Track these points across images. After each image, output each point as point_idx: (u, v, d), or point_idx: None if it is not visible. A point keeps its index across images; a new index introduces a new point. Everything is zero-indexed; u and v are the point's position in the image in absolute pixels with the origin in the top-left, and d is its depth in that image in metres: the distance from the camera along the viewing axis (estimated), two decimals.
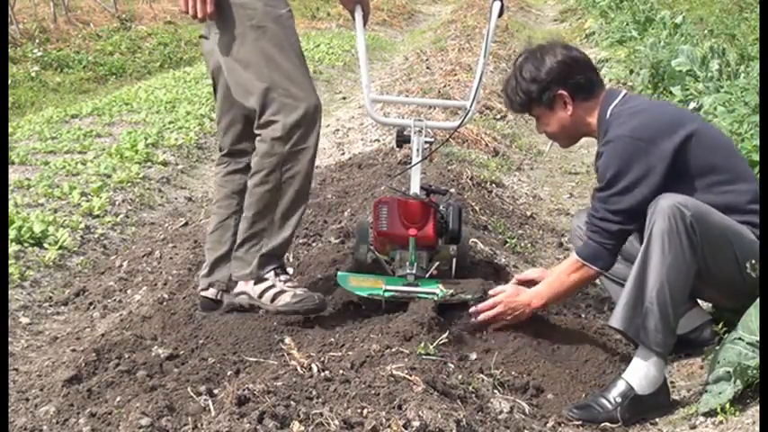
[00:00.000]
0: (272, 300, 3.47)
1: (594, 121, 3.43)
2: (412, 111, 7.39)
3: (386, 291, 3.54)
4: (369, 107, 3.91)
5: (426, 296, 3.55)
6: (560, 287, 3.42)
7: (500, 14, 3.89)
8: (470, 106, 3.82)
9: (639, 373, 3.12)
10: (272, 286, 3.49)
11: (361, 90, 3.96)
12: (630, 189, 3.23)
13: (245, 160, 3.65)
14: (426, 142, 3.82)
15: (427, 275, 3.68)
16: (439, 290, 3.56)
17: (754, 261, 3.16)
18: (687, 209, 3.09)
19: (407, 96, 8.28)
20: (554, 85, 3.42)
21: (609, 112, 3.39)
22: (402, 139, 3.88)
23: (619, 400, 3.10)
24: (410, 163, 3.81)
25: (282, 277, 3.52)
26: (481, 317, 3.47)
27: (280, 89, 3.39)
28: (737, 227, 3.21)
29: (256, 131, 3.46)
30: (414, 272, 3.62)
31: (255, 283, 3.51)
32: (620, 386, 3.12)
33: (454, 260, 3.88)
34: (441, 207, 3.73)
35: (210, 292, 3.72)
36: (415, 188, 3.72)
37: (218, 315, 3.61)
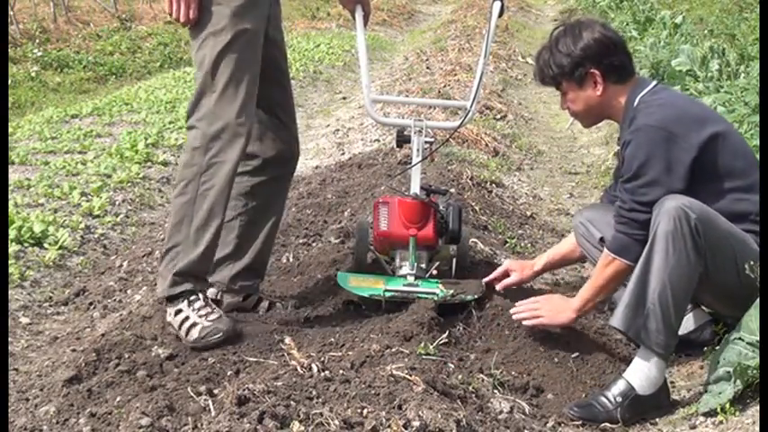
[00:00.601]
0: (186, 333, 3.36)
1: (621, 106, 3.37)
2: (412, 111, 7.39)
3: (386, 291, 3.54)
4: (369, 107, 3.91)
5: (426, 296, 3.55)
6: (595, 285, 3.35)
7: (500, 14, 3.89)
8: (470, 106, 3.82)
9: (640, 374, 3.12)
10: (186, 318, 3.38)
11: (362, 90, 3.97)
12: (658, 180, 3.19)
13: (252, 163, 3.63)
14: (426, 142, 3.83)
15: (427, 275, 3.68)
16: (439, 290, 3.56)
17: (752, 262, 3.15)
18: (692, 211, 3.08)
19: (407, 96, 8.28)
20: (588, 62, 3.36)
21: (637, 100, 3.33)
22: (402, 139, 3.89)
23: (619, 399, 3.10)
24: (410, 163, 3.81)
25: (197, 305, 3.39)
26: (521, 315, 3.44)
27: (212, 98, 3.36)
28: (741, 234, 3.20)
29: (187, 130, 3.44)
30: (414, 272, 3.62)
31: (175, 314, 3.39)
32: (620, 386, 3.12)
33: (454, 260, 3.88)
34: (441, 207, 3.73)
35: (211, 292, 3.71)
36: (415, 188, 3.72)
37: None
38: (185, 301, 3.38)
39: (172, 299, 3.40)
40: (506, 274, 3.77)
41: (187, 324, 3.36)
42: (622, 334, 3.25)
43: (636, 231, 3.21)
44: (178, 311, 3.39)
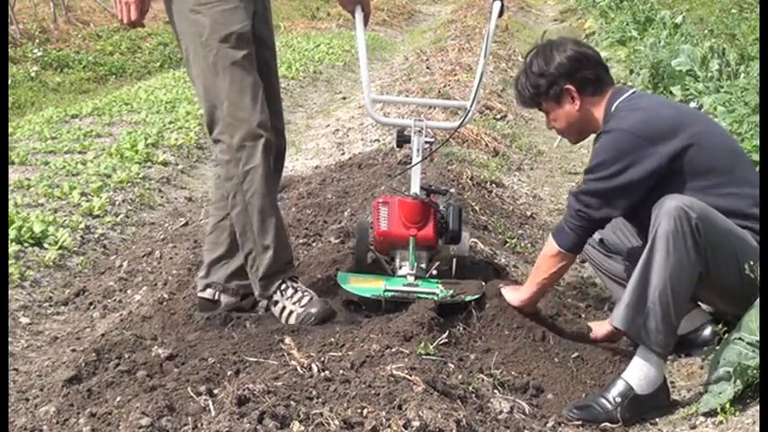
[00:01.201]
0: (287, 320, 3.55)
1: (601, 117, 3.43)
2: (412, 111, 7.39)
3: (386, 291, 3.54)
4: (369, 107, 3.91)
5: (426, 296, 3.55)
6: (535, 278, 3.50)
7: (500, 14, 3.89)
8: (470, 106, 3.82)
9: (639, 373, 3.12)
10: (284, 308, 3.56)
11: (362, 90, 3.97)
12: (615, 176, 3.25)
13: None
14: (426, 142, 3.83)
15: (427, 275, 3.68)
16: (439, 290, 3.56)
17: (753, 262, 3.15)
18: (693, 210, 3.08)
19: (407, 96, 8.28)
20: (562, 79, 3.42)
21: (614, 107, 3.39)
22: (402, 139, 3.89)
23: (618, 400, 3.10)
24: (410, 163, 3.81)
25: (288, 292, 3.56)
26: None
27: (224, 108, 3.45)
28: (740, 231, 3.20)
29: (213, 143, 3.56)
30: (414, 272, 3.62)
31: (274, 305, 3.59)
32: (619, 386, 3.12)
33: (454, 260, 3.88)
34: (441, 207, 3.73)
35: (208, 293, 3.74)
36: (415, 188, 3.72)
37: (217, 312, 3.62)
38: (278, 292, 3.57)
39: (270, 299, 3.59)
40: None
41: (285, 313, 3.54)
42: (623, 333, 3.25)
43: (578, 224, 3.33)
44: (275, 303, 3.58)
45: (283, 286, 3.57)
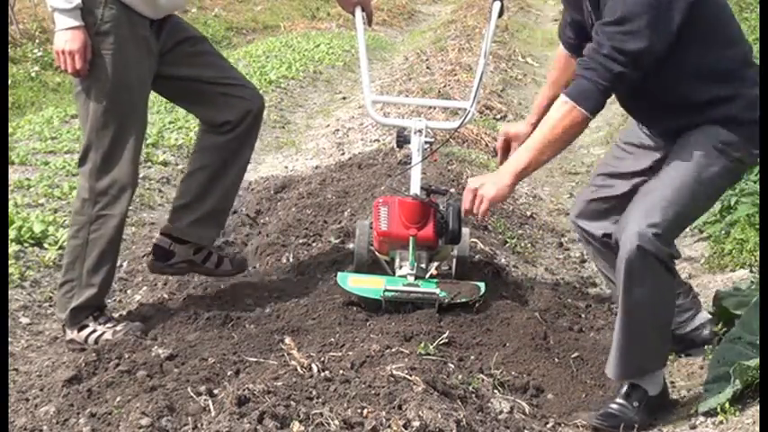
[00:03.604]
0: (96, 342, 3.62)
1: None
2: (412, 111, 7.39)
3: (386, 291, 3.55)
4: (369, 108, 3.91)
5: (427, 296, 3.55)
6: (543, 140, 3.06)
7: (500, 14, 3.89)
8: (470, 107, 3.82)
9: (647, 376, 3.10)
10: (94, 330, 3.67)
11: (362, 90, 3.97)
12: (642, 32, 2.91)
13: (222, 129, 3.80)
14: (426, 142, 3.83)
15: (427, 276, 3.68)
16: (438, 290, 3.56)
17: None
18: (655, 227, 2.94)
19: (407, 96, 8.28)
20: None
21: None
22: (402, 140, 3.89)
23: (636, 404, 3.08)
24: (410, 163, 3.81)
25: (101, 319, 3.70)
26: (466, 208, 3.25)
27: (98, 153, 3.55)
28: (709, 186, 3.10)
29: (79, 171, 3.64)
30: (414, 272, 3.62)
31: (79, 330, 3.69)
32: (636, 390, 3.09)
33: (454, 260, 3.88)
34: (440, 207, 3.73)
35: (164, 241, 3.89)
36: (415, 188, 3.72)
37: (217, 312, 3.62)
38: (90, 317, 3.69)
39: (73, 324, 3.69)
40: (508, 145, 3.57)
41: (95, 335, 3.65)
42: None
43: (603, 81, 2.96)
44: (83, 327, 3.68)
45: (96, 313, 3.69)
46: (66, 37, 3.42)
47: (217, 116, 3.81)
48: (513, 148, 3.52)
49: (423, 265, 3.69)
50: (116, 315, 4.19)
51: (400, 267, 3.69)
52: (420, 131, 3.81)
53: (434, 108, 7.42)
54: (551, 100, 3.26)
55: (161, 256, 3.91)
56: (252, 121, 3.84)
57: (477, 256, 4.23)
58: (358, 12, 3.96)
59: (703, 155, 3.04)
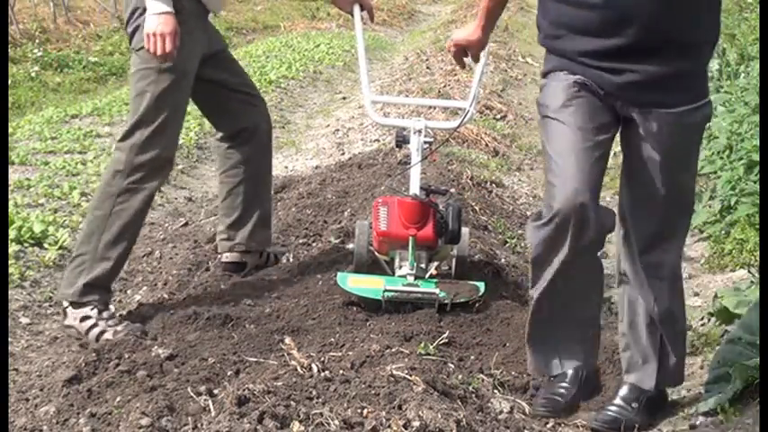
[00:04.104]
0: (97, 339, 3.63)
1: None
2: (412, 111, 7.39)
3: (386, 291, 3.55)
4: (368, 108, 3.92)
5: (426, 297, 3.55)
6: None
7: None
8: (470, 106, 3.82)
9: (643, 374, 3.10)
10: (96, 325, 3.66)
11: (362, 90, 3.97)
12: None
13: (244, 134, 4.05)
14: (426, 142, 3.83)
15: (427, 275, 3.68)
16: (438, 290, 3.56)
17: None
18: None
19: (407, 96, 8.27)
20: None
21: None
22: (401, 140, 3.89)
23: (635, 405, 3.07)
24: (410, 163, 3.81)
25: (105, 314, 3.69)
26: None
27: (146, 130, 3.63)
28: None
29: (116, 143, 3.75)
30: (413, 272, 3.62)
31: (81, 320, 3.68)
32: (633, 391, 3.09)
33: (454, 260, 3.88)
34: (440, 207, 3.73)
35: (234, 256, 4.11)
36: (414, 188, 3.72)
37: (217, 312, 3.62)
38: (95, 310, 3.67)
39: (77, 305, 3.67)
40: (464, 53, 3.45)
41: (97, 330, 3.64)
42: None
43: None
44: (85, 317, 3.67)
45: (102, 307, 3.68)
46: (160, 21, 3.51)
47: (235, 124, 4.03)
48: (470, 56, 3.44)
49: (422, 265, 3.69)
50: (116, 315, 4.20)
51: (400, 267, 3.69)
52: (419, 131, 3.81)
53: (434, 108, 7.42)
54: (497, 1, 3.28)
55: (235, 269, 4.18)
56: (267, 127, 4.15)
57: (477, 256, 4.23)
58: (356, 10, 3.97)
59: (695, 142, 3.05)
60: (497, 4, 3.26)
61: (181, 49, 3.57)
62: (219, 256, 4.26)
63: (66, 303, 3.73)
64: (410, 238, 3.63)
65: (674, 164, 2.94)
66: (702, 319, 3.78)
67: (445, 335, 3.33)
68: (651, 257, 3.00)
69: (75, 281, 3.67)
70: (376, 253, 3.82)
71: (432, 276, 3.70)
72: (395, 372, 2.82)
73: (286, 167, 6.94)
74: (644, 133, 2.90)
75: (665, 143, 2.91)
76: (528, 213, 5.60)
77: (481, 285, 3.67)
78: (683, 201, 3.02)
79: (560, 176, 2.89)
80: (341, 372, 2.86)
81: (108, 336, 3.61)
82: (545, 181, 3.03)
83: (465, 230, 3.82)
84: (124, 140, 3.67)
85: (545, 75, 3.04)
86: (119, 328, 3.65)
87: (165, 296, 4.13)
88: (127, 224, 3.65)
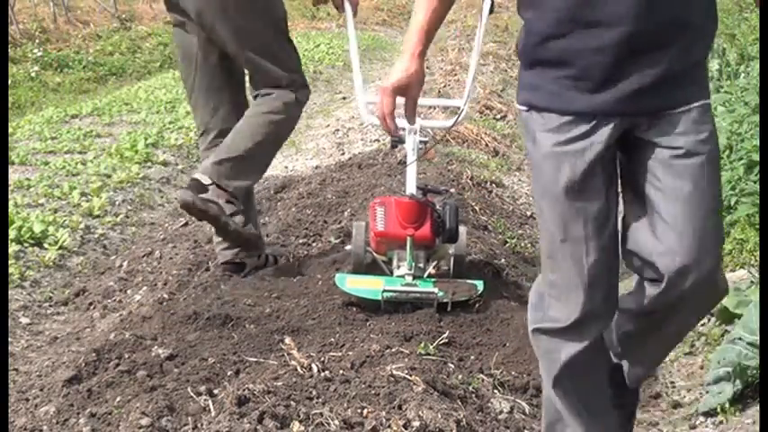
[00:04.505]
0: (244, 224, 3.97)
1: None
2: None
3: (384, 291, 3.55)
4: (362, 109, 3.91)
5: (425, 296, 3.55)
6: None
7: (491, 11, 3.90)
8: (463, 105, 3.82)
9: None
10: (237, 213, 3.95)
11: (355, 90, 3.97)
12: None
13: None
14: (421, 142, 3.83)
15: (425, 275, 3.68)
16: (437, 290, 3.56)
17: None
18: None
19: None
20: None
21: None
22: (397, 140, 3.89)
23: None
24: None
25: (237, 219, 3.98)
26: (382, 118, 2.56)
27: (299, 72, 4.18)
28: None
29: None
30: (412, 272, 3.62)
31: (227, 202, 3.93)
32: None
33: (452, 259, 3.88)
34: (437, 206, 3.73)
35: (192, 193, 3.98)
36: (411, 188, 3.72)
37: (216, 312, 3.62)
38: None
39: (227, 193, 3.95)
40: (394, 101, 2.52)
41: (240, 218, 3.96)
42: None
43: None
44: (229, 201, 3.96)
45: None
46: None
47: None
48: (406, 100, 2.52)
49: (420, 265, 3.69)
50: (116, 315, 4.20)
51: (398, 267, 3.69)
52: (414, 131, 3.80)
53: (435, 108, 7.42)
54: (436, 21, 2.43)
55: (234, 269, 4.21)
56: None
57: (477, 256, 4.23)
58: (347, 6, 3.96)
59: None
60: (439, 17, 2.43)
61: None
62: (218, 257, 4.28)
63: (209, 181, 3.94)
64: (408, 237, 3.62)
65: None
66: (702, 318, 3.78)
67: (445, 335, 3.33)
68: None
69: (230, 182, 3.94)
70: (374, 253, 3.81)
71: (430, 276, 3.70)
72: (395, 372, 2.82)
73: (286, 167, 6.94)
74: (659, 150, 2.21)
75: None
76: (528, 213, 5.61)
77: (480, 284, 3.66)
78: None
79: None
80: (341, 372, 2.86)
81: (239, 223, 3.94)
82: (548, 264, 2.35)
83: (462, 229, 3.81)
84: (288, 86, 4.09)
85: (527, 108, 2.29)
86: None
87: (165, 296, 4.13)
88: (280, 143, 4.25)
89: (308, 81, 4.29)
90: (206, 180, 3.96)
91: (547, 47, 2.24)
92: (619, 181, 2.30)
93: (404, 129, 3.88)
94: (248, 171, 4.05)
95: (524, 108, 2.29)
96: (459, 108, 4.24)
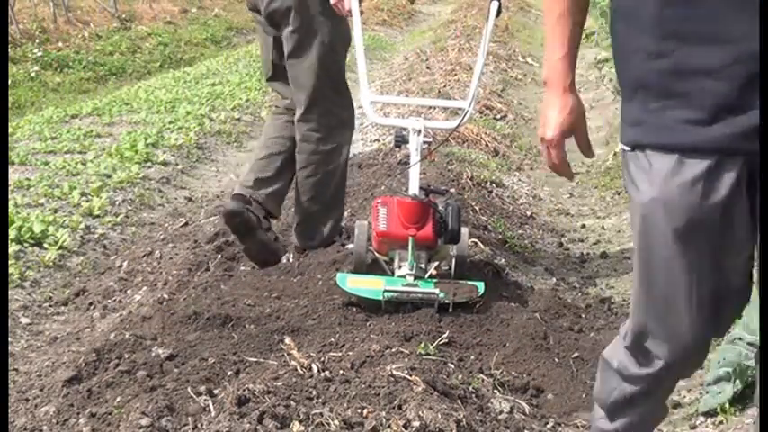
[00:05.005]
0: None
1: None
2: (413, 111, 7.39)
3: (385, 291, 3.54)
4: (367, 108, 3.91)
5: (426, 297, 3.55)
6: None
7: (498, 14, 3.90)
8: (468, 106, 3.82)
9: None
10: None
11: (360, 90, 3.98)
12: None
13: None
14: (425, 142, 3.83)
15: (427, 275, 3.68)
16: (438, 290, 3.56)
17: None
18: None
19: (407, 96, 8.27)
20: None
21: None
22: (400, 140, 3.89)
23: None
24: (409, 163, 3.81)
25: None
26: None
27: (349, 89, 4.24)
28: None
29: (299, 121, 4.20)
30: (413, 272, 3.62)
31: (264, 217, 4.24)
32: None
33: (454, 260, 3.88)
34: (439, 207, 3.73)
35: (240, 204, 4.17)
36: (413, 188, 3.72)
37: (216, 312, 3.62)
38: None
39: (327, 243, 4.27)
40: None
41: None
42: None
43: None
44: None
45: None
46: None
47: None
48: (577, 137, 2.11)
49: (422, 265, 3.68)
50: (116, 315, 4.20)
51: (399, 267, 3.69)
52: (418, 131, 3.80)
53: (435, 108, 7.42)
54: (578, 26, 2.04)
55: (233, 214, 4.24)
56: None
57: (477, 256, 4.23)
58: (355, 6, 3.95)
59: None
60: (578, 33, 2.04)
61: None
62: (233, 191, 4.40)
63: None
64: (410, 238, 3.62)
65: None
66: None
67: (445, 335, 3.33)
68: None
69: (314, 235, 4.27)
70: (375, 253, 3.81)
71: (431, 276, 3.70)
72: (395, 372, 2.82)
73: None
74: None
75: None
76: (528, 213, 5.60)
77: (480, 285, 3.66)
78: None
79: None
80: (341, 372, 2.86)
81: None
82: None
83: (464, 230, 3.81)
84: (308, 114, 4.22)
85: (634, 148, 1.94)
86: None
87: (165, 296, 4.13)
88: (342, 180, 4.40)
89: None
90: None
91: (648, 67, 1.86)
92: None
93: (406, 129, 3.88)
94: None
95: (628, 148, 1.94)
96: (460, 109, 4.24)
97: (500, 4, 3.88)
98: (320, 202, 4.27)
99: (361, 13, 3.97)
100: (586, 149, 2.12)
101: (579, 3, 2.02)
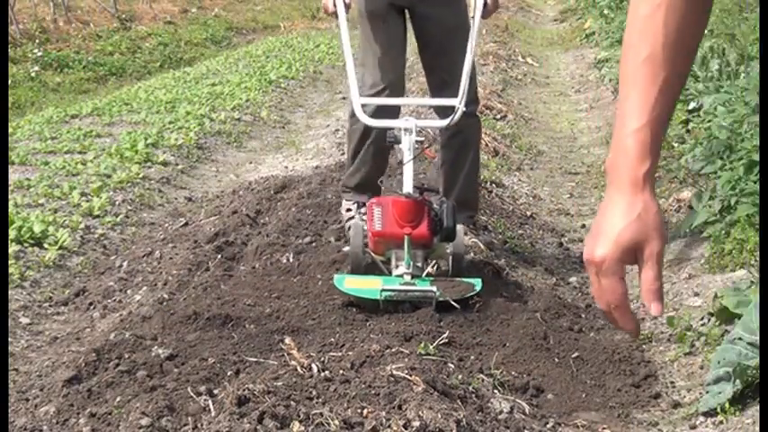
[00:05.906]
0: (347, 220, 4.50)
1: None
2: (412, 111, 7.39)
3: (383, 291, 3.54)
4: (358, 109, 3.92)
5: (424, 295, 3.55)
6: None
7: (484, 6, 3.95)
8: (459, 104, 3.83)
9: None
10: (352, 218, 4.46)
11: (350, 92, 3.98)
12: None
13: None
14: (418, 141, 3.83)
15: (424, 274, 3.68)
16: (435, 289, 3.56)
17: None
18: None
19: (407, 96, 8.26)
20: None
21: None
22: (393, 140, 3.89)
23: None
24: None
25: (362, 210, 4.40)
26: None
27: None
28: None
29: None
30: (410, 271, 3.62)
31: (346, 210, 4.53)
32: None
33: (451, 258, 3.88)
34: (434, 205, 3.73)
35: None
36: (407, 187, 3.72)
37: (216, 312, 3.62)
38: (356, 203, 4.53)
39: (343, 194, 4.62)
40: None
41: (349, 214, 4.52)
42: None
43: None
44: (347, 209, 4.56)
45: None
46: None
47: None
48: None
49: (419, 264, 3.68)
50: (116, 315, 4.20)
51: (396, 267, 3.69)
52: (410, 131, 3.81)
53: (430, 108, 7.40)
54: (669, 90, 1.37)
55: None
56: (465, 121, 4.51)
57: (476, 256, 4.23)
58: (339, 6, 3.96)
59: None
60: (681, 69, 1.39)
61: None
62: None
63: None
64: (405, 237, 3.62)
65: None
66: (702, 319, 3.77)
67: (445, 335, 3.33)
68: None
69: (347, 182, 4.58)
70: (372, 253, 3.81)
71: (428, 275, 3.70)
72: (395, 372, 2.82)
73: (286, 167, 6.94)
74: None
75: None
76: (528, 213, 5.60)
77: (478, 283, 3.66)
78: None
79: None
80: (341, 372, 2.86)
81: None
82: None
83: (460, 228, 3.81)
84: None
85: None
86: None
87: (165, 296, 4.13)
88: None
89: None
90: None
91: None
92: None
93: (399, 128, 3.89)
94: None
95: None
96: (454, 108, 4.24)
97: (486, 1, 3.93)
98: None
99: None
100: (657, 302, 1.33)
101: (686, 40, 1.36)
